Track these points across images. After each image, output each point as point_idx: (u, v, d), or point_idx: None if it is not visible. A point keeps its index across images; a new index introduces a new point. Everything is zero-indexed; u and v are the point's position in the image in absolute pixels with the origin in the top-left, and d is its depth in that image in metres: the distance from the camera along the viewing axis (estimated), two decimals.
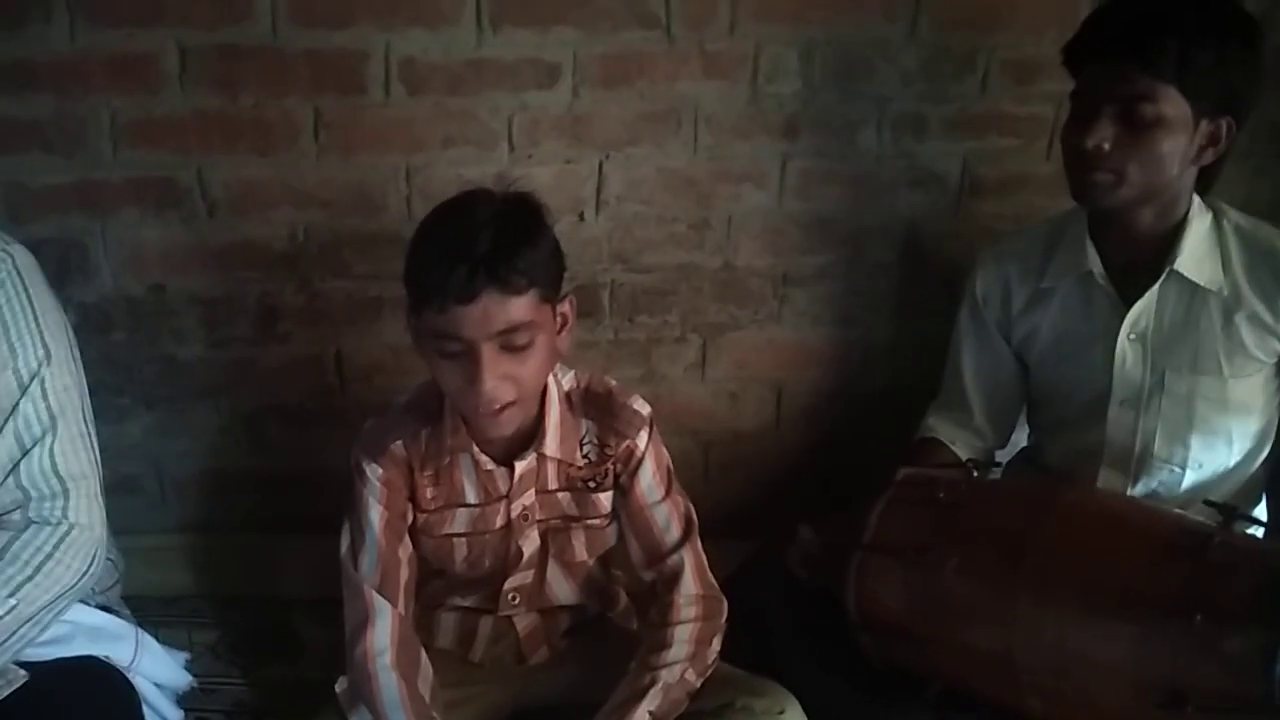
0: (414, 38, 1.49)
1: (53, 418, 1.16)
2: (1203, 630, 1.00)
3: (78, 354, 1.24)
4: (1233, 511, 1.09)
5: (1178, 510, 1.19)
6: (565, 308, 1.18)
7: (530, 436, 1.23)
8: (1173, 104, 1.16)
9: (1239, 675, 1.00)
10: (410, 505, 1.25)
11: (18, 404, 1.13)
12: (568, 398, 1.26)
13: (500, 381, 1.10)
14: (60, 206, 1.55)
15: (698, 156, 1.58)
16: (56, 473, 1.15)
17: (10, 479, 1.13)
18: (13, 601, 1.09)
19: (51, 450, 1.15)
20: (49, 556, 1.13)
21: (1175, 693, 1.02)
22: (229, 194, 1.56)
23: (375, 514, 1.23)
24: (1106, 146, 1.18)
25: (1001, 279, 1.41)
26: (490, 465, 1.23)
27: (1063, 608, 1.08)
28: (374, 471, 1.23)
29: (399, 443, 1.24)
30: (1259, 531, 1.24)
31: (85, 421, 1.21)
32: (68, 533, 1.16)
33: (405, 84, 1.51)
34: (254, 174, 1.55)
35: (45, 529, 1.14)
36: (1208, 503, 1.14)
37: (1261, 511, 1.34)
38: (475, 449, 1.22)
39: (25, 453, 1.14)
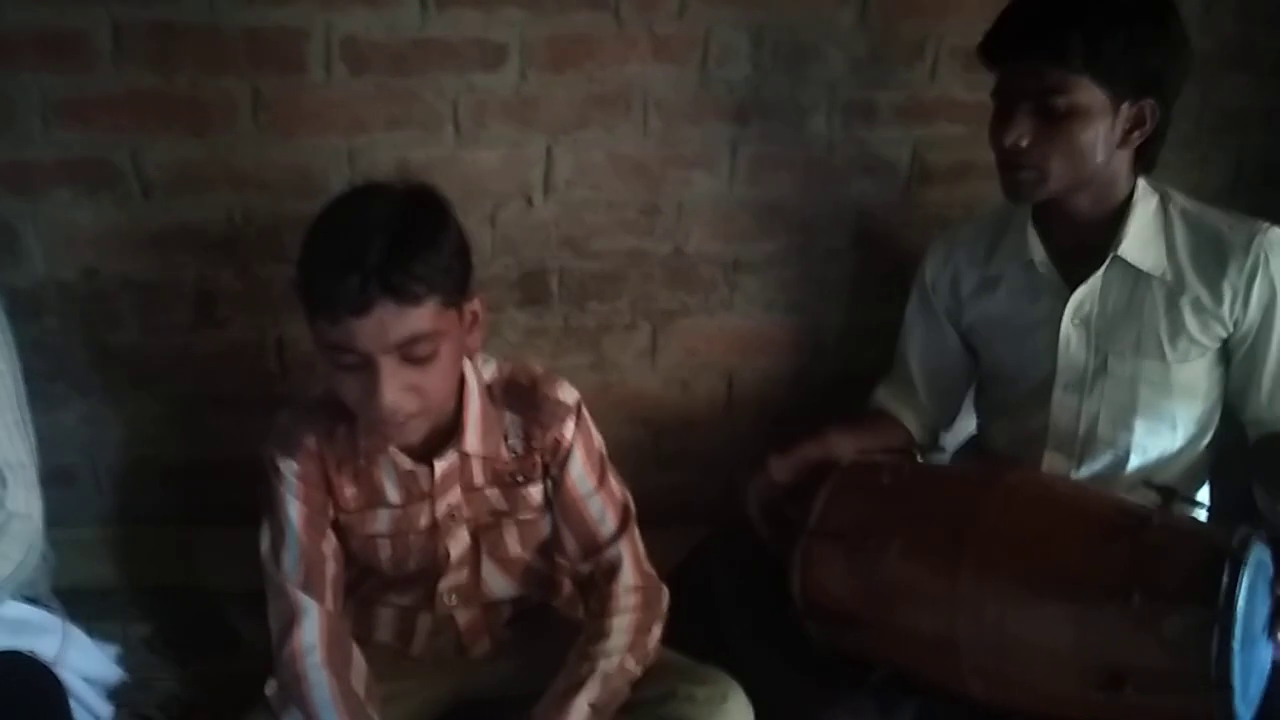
0: (356, 16, 1.45)
1: None
2: (1141, 610, 1.00)
3: (10, 339, 1.20)
4: (1173, 493, 1.09)
5: (1118, 493, 1.20)
6: (475, 305, 1.12)
7: (450, 433, 1.18)
8: (1086, 93, 1.17)
9: (1177, 655, 1.00)
10: (330, 501, 1.21)
11: None
12: (489, 390, 1.21)
13: (401, 394, 1.05)
14: None
15: (647, 141, 1.56)
16: None
17: None
18: None
19: None
20: None
21: (1115, 673, 1.02)
22: (165, 175, 1.51)
23: (294, 510, 1.19)
24: (1024, 143, 1.19)
25: (951, 265, 1.41)
26: (410, 465, 1.19)
27: (1004, 590, 1.08)
28: (289, 467, 1.18)
29: (313, 438, 1.19)
30: (1201, 514, 1.24)
31: (20, 409, 1.18)
32: (6, 522, 1.14)
33: (347, 63, 1.47)
34: (190, 155, 1.50)
35: None
36: (1148, 484, 1.14)
37: (1204, 495, 1.35)
38: (392, 449, 1.18)
39: None
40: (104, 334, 1.59)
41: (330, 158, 1.52)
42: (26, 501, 1.16)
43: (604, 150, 1.56)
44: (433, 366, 1.06)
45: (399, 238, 1.02)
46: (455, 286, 1.07)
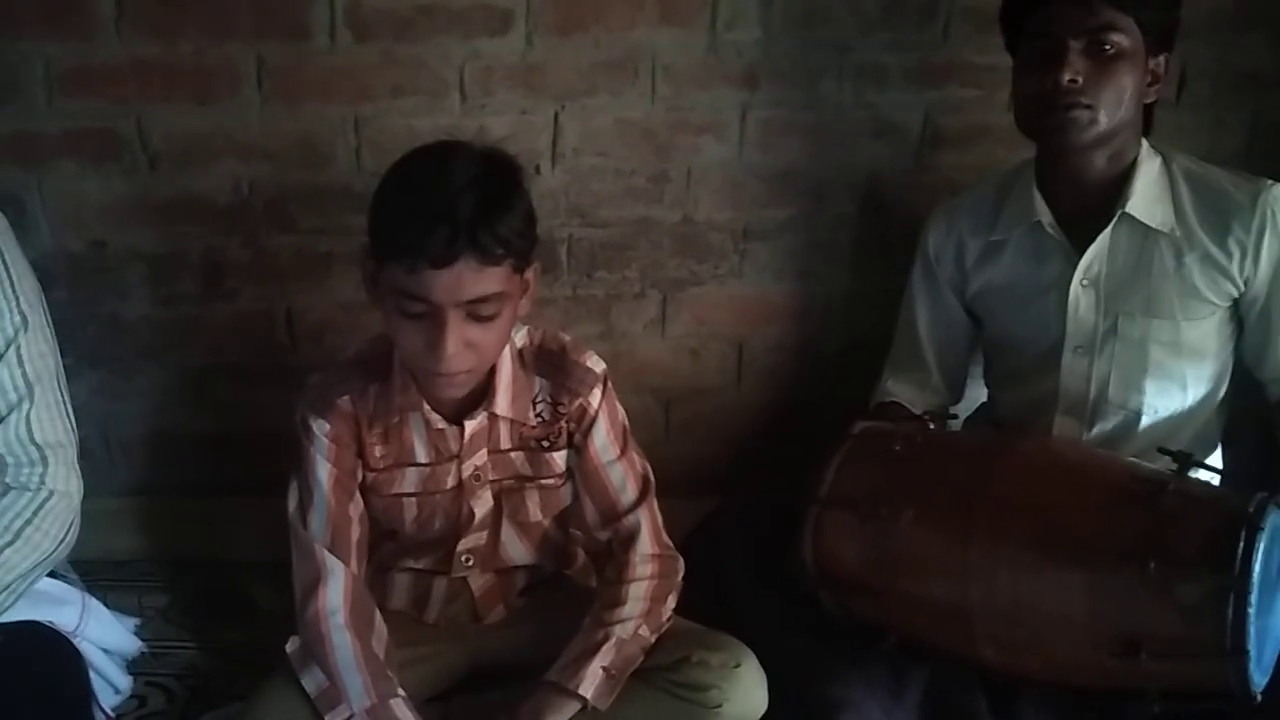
0: None
1: (29, 385, 1.14)
2: (1156, 577, 1.01)
3: (50, 320, 1.21)
4: (1187, 458, 1.09)
5: (1132, 458, 1.20)
6: (530, 274, 1.15)
7: (481, 395, 1.20)
8: (1131, 36, 1.19)
9: (1192, 621, 1.01)
10: (359, 462, 1.23)
11: None
12: (520, 355, 1.23)
13: (461, 349, 1.08)
14: None
15: (656, 107, 1.54)
16: (34, 440, 1.14)
17: None
18: None
19: (28, 418, 1.14)
20: (28, 522, 1.12)
21: (1129, 640, 1.02)
22: (170, 145, 1.51)
23: (324, 471, 1.20)
24: (1080, 81, 1.19)
25: (954, 235, 1.41)
26: (441, 424, 1.20)
27: (1017, 557, 1.09)
28: (321, 428, 1.20)
29: (346, 398, 1.20)
30: (1215, 479, 1.24)
31: (60, 389, 1.20)
32: (47, 499, 1.15)
33: (352, 30, 1.46)
34: (196, 124, 1.49)
35: (25, 494, 1.14)
36: (1162, 450, 1.14)
37: (1217, 459, 1.35)
38: (426, 407, 1.19)
39: (1, 420, 1.13)
40: (113, 306, 1.59)
41: (336, 127, 1.51)
42: (66, 480, 1.17)
43: (612, 117, 1.54)
44: (492, 326, 1.09)
45: (487, 197, 1.05)
46: (525, 250, 1.11)
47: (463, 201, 1.03)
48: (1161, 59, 1.23)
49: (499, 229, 1.04)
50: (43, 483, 1.15)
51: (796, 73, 1.54)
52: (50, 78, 1.46)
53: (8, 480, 1.14)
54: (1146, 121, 1.28)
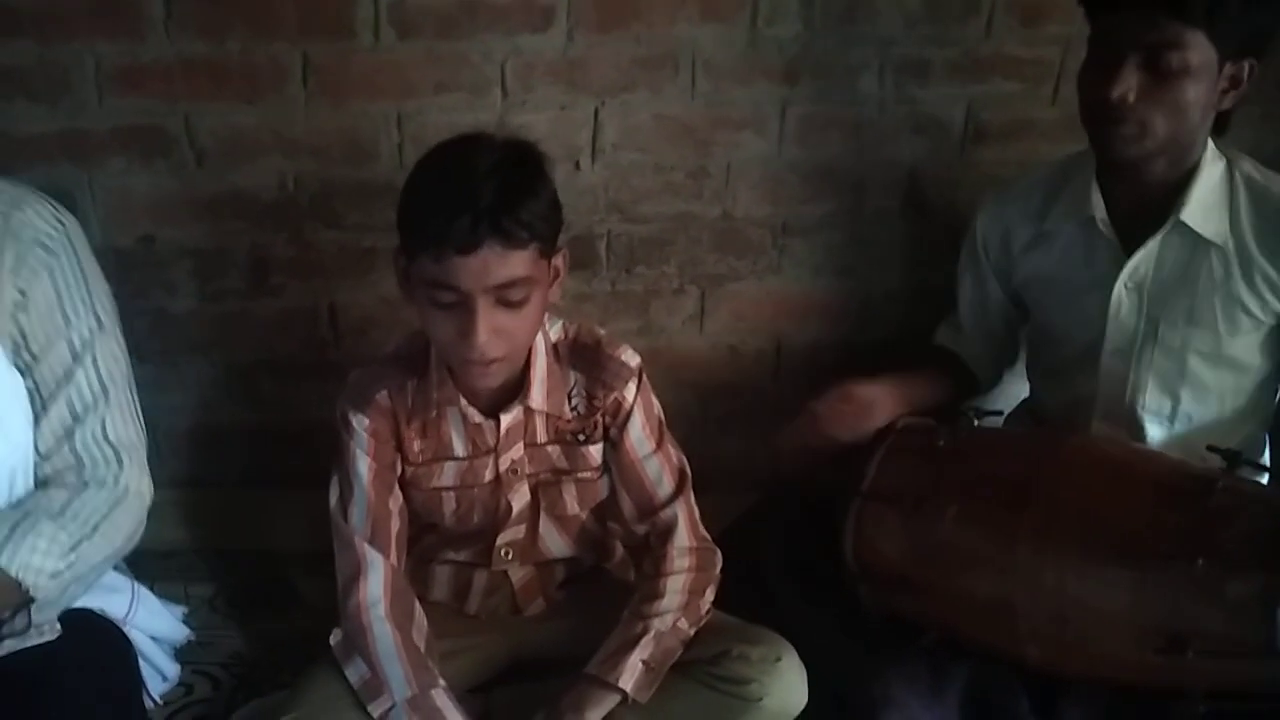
0: None
1: (104, 387, 1.17)
2: (1204, 575, 1.00)
3: (119, 323, 1.24)
4: (1237, 457, 1.07)
5: (1180, 456, 1.18)
6: (559, 261, 1.16)
7: (516, 389, 1.21)
8: (1200, 51, 1.12)
9: (1240, 620, 0.99)
10: (398, 456, 1.24)
11: (72, 372, 1.15)
12: (555, 349, 1.24)
13: (493, 336, 1.09)
14: (46, 156, 1.52)
15: (695, 103, 1.54)
16: (109, 441, 1.17)
17: (65, 446, 1.15)
18: (72, 558, 1.11)
19: (104, 419, 1.17)
20: (105, 517, 1.15)
21: (1175, 638, 1.01)
22: (217, 142, 1.53)
23: (363, 465, 1.22)
24: (1131, 97, 1.13)
25: (1004, 221, 1.38)
26: (478, 418, 1.22)
27: (1063, 554, 1.07)
28: (360, 422, 1.22)
29: (384, 393, 1.22)
30: (1263, 478, 1.22)
31: (131, 390, 1.23)
32: (123, 496, 1.18)
33: (395, 27, 1.47)
34: (242, 121, 1.52)
35: (103, 490, 1.16)
36: (1211, 448, 1.12)
37: (1267, 459, 1.33)
38: (462, 402, 1.21)
39: (78, 421, 1.15)
40: (161, 300, 1.62)
41: (380, 123, 1.52)
42: (140, 480, 1.20)
43: (651, 112, 1.55)
44: (522, 312, 1.11)
45: (508, 184, 1.07)
46: (551, 235, 1.12)
47: (484, 188, 1.05)
48: (1245, 64, 1.15)
49: (521, 213, 1.06)
50: (119, 481, 1.18)
51: (837, 68, 1.54)
52: (100, 76, 1.49)
53: (85, 477, 1.16)
54: (1221, 122, 1.22)
